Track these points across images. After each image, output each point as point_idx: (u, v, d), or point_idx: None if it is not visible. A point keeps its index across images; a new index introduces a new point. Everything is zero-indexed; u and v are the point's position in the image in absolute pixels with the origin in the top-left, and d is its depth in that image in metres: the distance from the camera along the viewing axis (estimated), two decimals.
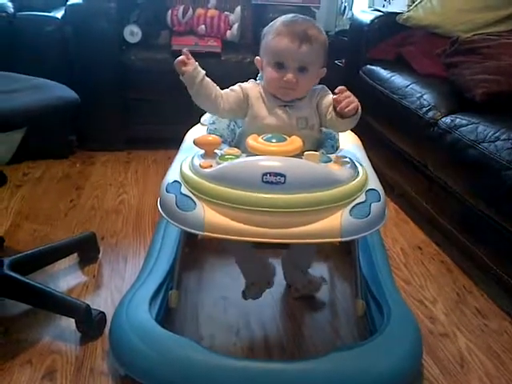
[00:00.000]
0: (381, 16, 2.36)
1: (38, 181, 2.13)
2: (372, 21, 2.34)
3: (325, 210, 0.95)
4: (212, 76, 1.12)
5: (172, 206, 0.97)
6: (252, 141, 1.04)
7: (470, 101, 1.67)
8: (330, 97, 1.13)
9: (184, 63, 1.08)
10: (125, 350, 1.08)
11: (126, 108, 2.44)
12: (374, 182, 1.04)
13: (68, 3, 2.28)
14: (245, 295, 1.31)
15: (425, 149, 1.76)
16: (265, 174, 0.93)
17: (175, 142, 1.30)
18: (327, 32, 3.02)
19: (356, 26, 2.48)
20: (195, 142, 1.05)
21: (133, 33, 2.39)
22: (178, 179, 1.01)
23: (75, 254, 1.56)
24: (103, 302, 1.38)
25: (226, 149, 1.07)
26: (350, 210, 0.96)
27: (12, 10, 2.20)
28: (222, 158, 1.01)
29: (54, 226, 1.78)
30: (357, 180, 1.01)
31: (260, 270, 1.30)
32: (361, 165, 1.08)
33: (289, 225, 0.93)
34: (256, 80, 1.22)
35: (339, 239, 0.95)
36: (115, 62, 2.34)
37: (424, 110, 1.78)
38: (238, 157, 1.02)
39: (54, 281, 1.46)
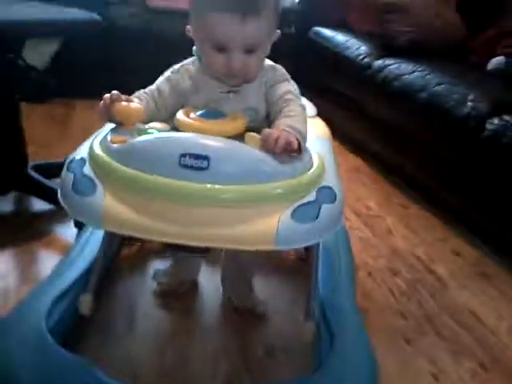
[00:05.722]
0: None
1: None
2: None
3: (259, 209, 0.75)
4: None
5: (68, 188, 0.79)
6: (182, 115, 0.85)
7: (396, 47, 2.16)
8: (285, 86, 0.92)
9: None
10: (5, 360, 0.86)
11: None
12: (331, 179, 0.85)
13: None
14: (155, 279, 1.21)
15: (362, 89, 2.21)
16: (183, 156, 0.74)
17: None
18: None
19: None
20: (113, 109, 0.83)
21: None
22: (85, 156, 0.83)
23: None
24: None
25: (153, 123, 0.88)
26: (293, 212, 0.76)
27: None
28: (140, 132, 0.83)
29: None
30: (308, 174, 0.81)
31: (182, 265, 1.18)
32: (318, 156, 0.88)
33: (209, 224, 0.74)
34: (193, 55, 0.96)
35: (272, 247, 0.75)
36: None
37: (361, 56, 2.24)
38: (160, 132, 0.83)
39: None
